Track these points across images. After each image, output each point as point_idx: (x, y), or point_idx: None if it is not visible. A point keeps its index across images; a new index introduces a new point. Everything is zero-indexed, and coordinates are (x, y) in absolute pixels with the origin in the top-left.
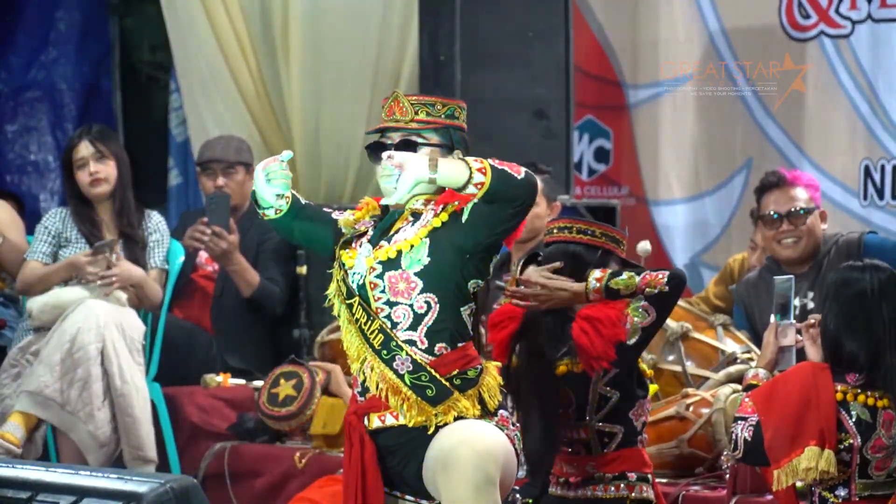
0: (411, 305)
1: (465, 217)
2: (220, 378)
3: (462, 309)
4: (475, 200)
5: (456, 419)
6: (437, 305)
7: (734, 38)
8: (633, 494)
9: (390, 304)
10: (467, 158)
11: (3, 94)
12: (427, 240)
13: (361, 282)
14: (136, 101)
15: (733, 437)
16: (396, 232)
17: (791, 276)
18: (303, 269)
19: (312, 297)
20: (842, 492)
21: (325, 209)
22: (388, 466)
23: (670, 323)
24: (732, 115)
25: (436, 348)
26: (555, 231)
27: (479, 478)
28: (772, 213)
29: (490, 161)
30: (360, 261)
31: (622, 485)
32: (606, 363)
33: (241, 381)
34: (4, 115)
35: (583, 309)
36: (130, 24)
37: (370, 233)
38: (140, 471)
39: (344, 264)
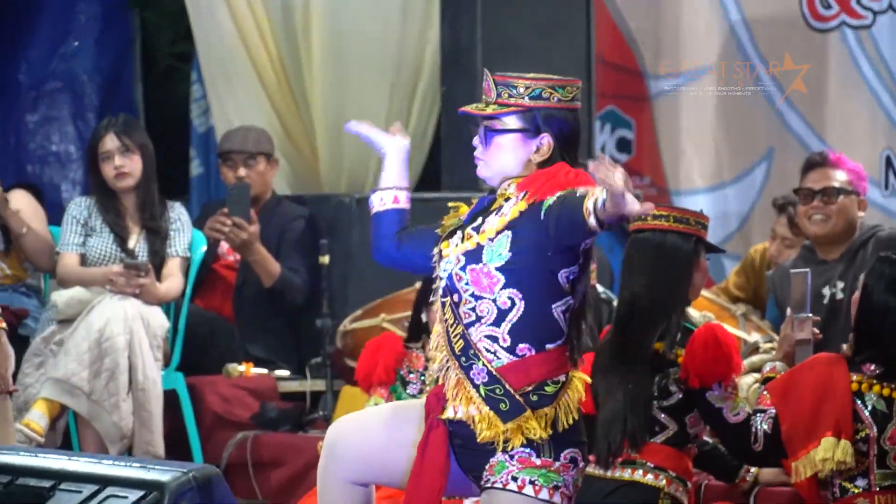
0: (494, 301)
1: (542, 212)
2: (242, 367)
3: (554, 306)
4: (552, 198)
5: (524, 445)
6: (522, 302)
7: (755, 29)
8: (669, 488)
9: (475, 297)
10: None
11: (25, 85)
12: (508, 232)
13: (449, 273)
14: (156, 92)
15: (753, 430)
16: (485, 220)
17: (807, 269)
18: (325, 259)
19: (335, 287)
20: (861, 482)
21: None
22: None
23: (693, 313)
24: (753, 106)
25: (518, 349)
26: (648, 218)
27: None
28: (808, 188)
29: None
30: (450, 251)
31: (662, 475)
32: (697, 384)
33: (264, 371)
34: (26, 106)
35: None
36: (151, 15)
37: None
38: (162, 460)
39: (442, 257)
